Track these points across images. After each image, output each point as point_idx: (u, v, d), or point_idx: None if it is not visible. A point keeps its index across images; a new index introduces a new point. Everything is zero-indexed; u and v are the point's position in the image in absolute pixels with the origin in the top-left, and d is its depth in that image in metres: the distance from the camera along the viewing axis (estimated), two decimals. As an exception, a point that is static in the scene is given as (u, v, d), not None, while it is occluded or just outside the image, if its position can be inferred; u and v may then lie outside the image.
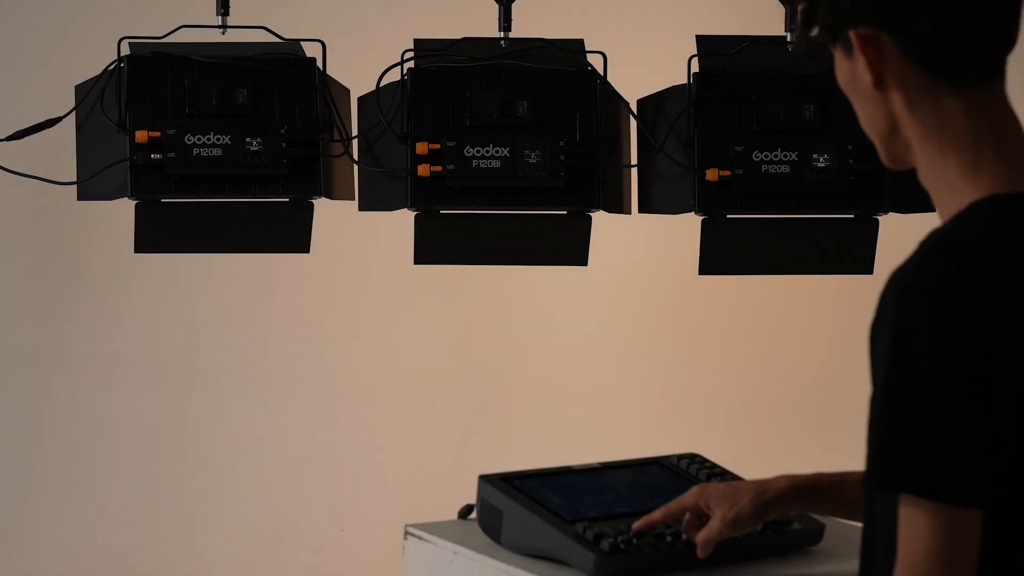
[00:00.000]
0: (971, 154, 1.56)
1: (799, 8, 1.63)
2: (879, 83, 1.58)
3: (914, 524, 1.47)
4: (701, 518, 2.05)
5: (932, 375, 1.45)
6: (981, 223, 1.53)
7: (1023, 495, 1.48)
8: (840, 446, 3.21)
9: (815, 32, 1.61)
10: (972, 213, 1.55)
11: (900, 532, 1.48)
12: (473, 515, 2.24)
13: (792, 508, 2.06)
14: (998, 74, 1.58)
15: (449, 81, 2.80)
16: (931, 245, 1.52)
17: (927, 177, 1.60)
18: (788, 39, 2.87)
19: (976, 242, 1.51)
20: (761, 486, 2.04)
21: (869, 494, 1.58)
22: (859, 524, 1.68)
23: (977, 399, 1.46)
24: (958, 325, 1.46)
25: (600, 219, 2.86)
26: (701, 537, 2.02)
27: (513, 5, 2.87)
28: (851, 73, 1.60)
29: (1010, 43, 1.58)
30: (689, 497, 2.05)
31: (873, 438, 1.49)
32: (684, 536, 2.07)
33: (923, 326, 1.46)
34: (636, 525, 2.07)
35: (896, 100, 1.58)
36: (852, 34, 1.57)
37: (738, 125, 2.83)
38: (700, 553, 2.02)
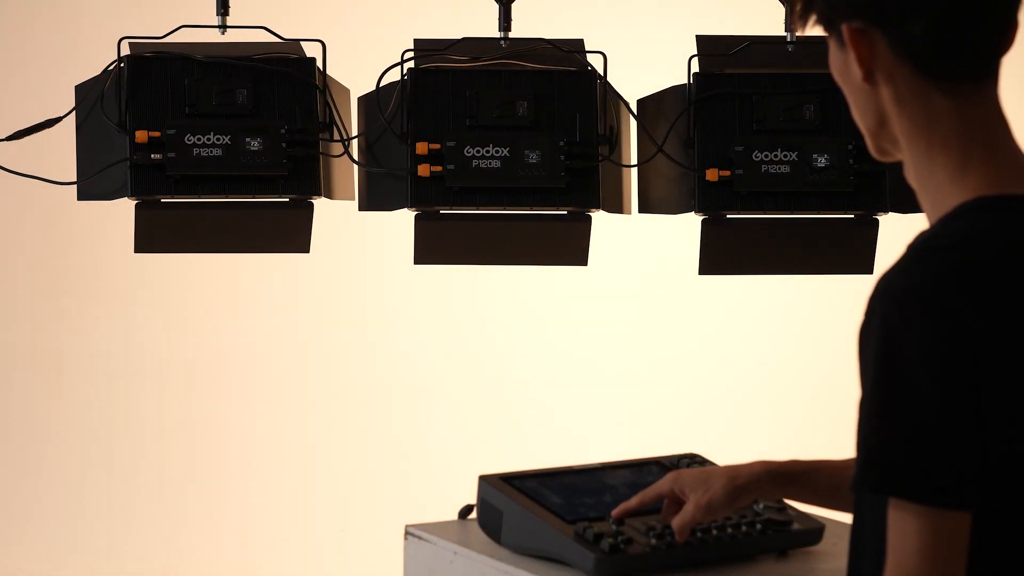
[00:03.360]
0: (959, 156, 1.56)
1: None
2: (869, 78, 1.57)
3: (903, 527, 1.46)
4: (678, 504, 2.06)
5: (920, 378, 1.45)
6: (968, 226, 1.53)
7: (1013, 497, 1.48)
8: (840, 446, 3.21)
9: (813, 21, 1.62)
10: (959, 215, 1.54)
11: (889, 535, 1.48)
12: (473, 515, 2.24)
13: (765, 494, 2.06)
14: (991, 76, 1.57)
15: (449, 81, 2.80)
16: (917, 248, 1.52)
17: (914, 176, 1.60)
18: (788, 39, 2.87)
19: (963, 245, 1.51)
20: (734, 471, 2.04)
21: (858, 496, 1.58)
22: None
23: (966, 402, 1.45)
24: (946, 328, 1.45)
25: (600, 219, 2.86)
26: (676, 523, 2.03)
27: (513, 5, 2.87)
28: (843, 65, 1.60)
29: (1005, 46, 1.57)
30: (664, 483, 2.07)
31: (862, 441, 1.49)
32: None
33: (911, 330, 1.46)
34: (614, 512, 2.08)
35: (885, 96, 1.58)
36: (844, 28, 1.57)
37: (738, 125, 2.83)
38: (678, 538, 2.03)
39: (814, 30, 1.64)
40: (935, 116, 1.56)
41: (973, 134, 1.56)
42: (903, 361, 1.45)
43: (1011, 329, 1.47)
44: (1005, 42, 1.57)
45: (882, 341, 1.47)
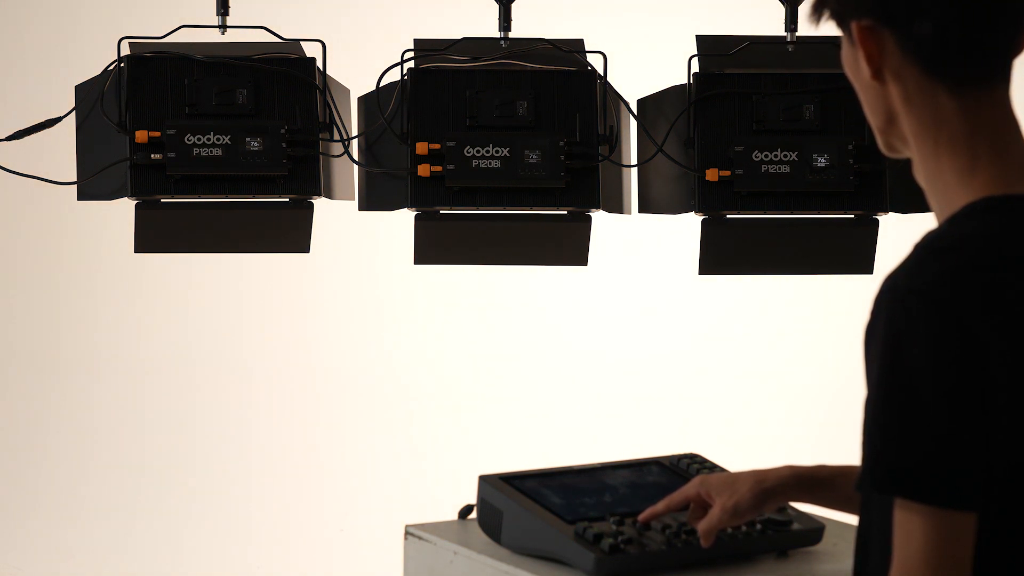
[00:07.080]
0: (966, 156, 1.56)
1: None
2: (877, 76, 1.58)
3: (909, 527, 1.46)
4: (704, 508, 2.05)
5: (925, 379, 1.45)
6: (974, 226, 1.53)
7: (1018, 498, 1.48)
8: (840, 446, 3.22)
9: (826, 17, 1.62)
10: (965, 216, 1.54)
11: (895, 535, 1.48)
12: (473, 515, 2.24)
13: (792, 498, 2.05)
14: (1001, 78, 1.56)
15: (449, 81, 2.80)
16: (924, 248, 1.52)
17: (922, 174, 1.60)
18: (788, 39, 2.87)
19: (969, 245, 1.50)
20: (761, 475, 2.03)
21: (865, 497, 1.57)
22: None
23: (971, 402, 1.45)
24: (951, 329, 1.45)
25: (600, 219, 2.86)
26: (702, 527, 2.02)
27: (513, 5, 2.87)
28: (854, 61, 1.60)
29: (1016, 49, 1.57)
30: (691, 488, 2.06)
31: (867, 441, 1.49)
32: (684, 536, 2.07)
33: (916, 330, 1.45)
34: (641, 517, 2.07)
35: (894, 94, 1.58)
36: (853, 26, 1.57)
37: (738, 125, 2.83)
38: (703, 542, 2.02)
39: (827, 27, 1.63)
40: (942, 116, 1.56)
41: (981, 135, 1.55)
42: (908, 363, 1.45)
43: (1016, 331, 1.47)
44: (1016, 44, 1.56)
45: (887, 342, 1.46)
